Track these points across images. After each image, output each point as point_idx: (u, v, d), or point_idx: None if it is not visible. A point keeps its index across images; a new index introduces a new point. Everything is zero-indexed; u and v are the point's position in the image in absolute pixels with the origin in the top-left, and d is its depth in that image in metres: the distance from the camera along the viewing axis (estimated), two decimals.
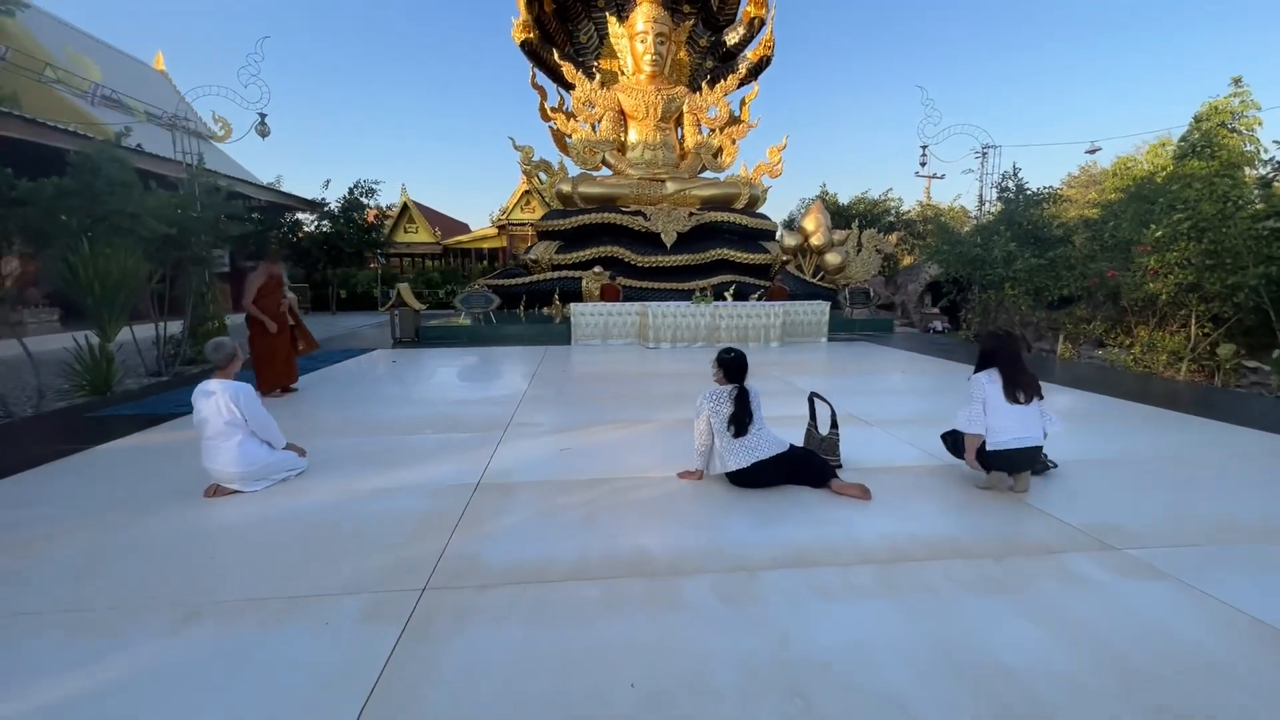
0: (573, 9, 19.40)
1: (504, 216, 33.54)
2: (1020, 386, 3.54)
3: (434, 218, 43.96)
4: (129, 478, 3.93)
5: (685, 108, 18.93)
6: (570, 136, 19.05)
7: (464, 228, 45.56)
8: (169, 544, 2.93)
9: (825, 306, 11.47)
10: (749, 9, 18.87)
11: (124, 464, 4.27)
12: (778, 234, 17.21)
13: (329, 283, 20.83)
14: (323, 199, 19.92)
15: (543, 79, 19.71)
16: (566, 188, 17.81)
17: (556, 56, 18.49)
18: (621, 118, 19.20)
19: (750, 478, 3.57)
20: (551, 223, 17.58)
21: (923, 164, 13.33)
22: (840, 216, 22.42)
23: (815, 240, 15.64)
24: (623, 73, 19.40)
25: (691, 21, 19.66)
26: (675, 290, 16.01)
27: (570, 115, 19.10)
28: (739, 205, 17.97)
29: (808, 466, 3.66)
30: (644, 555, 2.76)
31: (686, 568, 2.62)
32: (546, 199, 18.50)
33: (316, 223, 19.75)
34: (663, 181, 18.03)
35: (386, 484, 3.79)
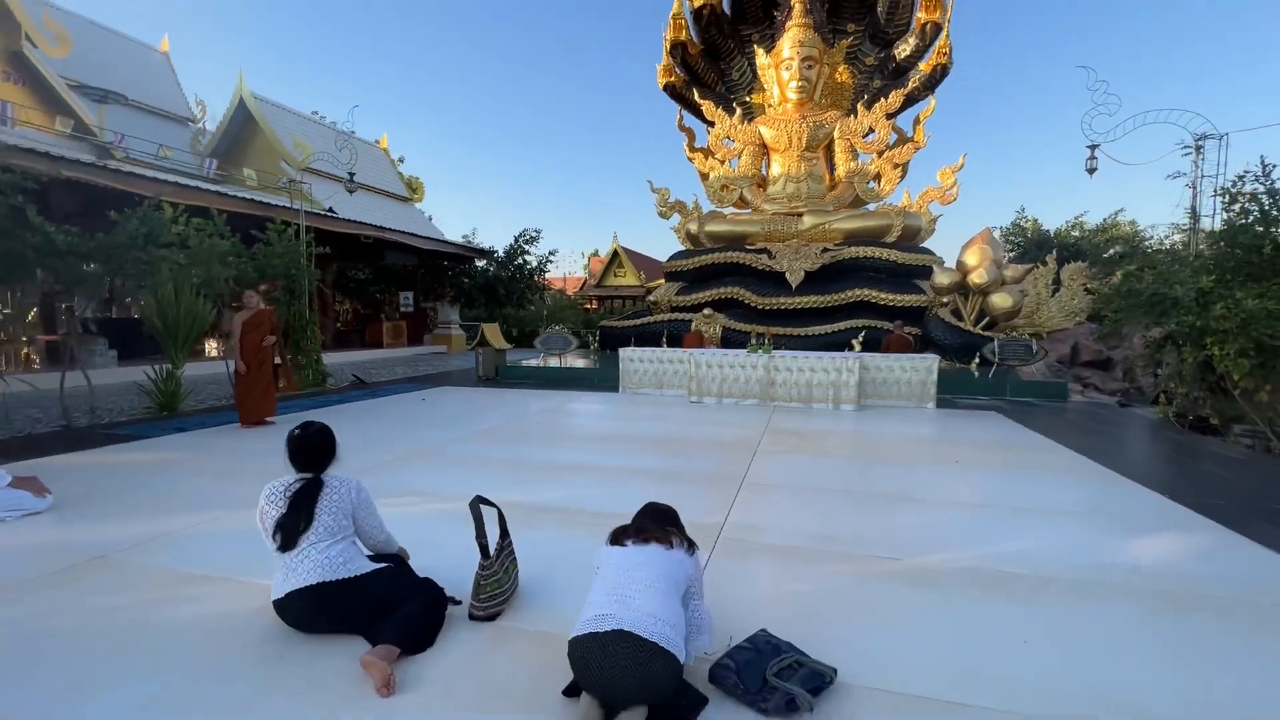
0: (723, 47, 18.90)
1: None
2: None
3: (641, 262, 46.73)
4: None
5: (836, 133, 16.88)
6: (709, 175, 18.32)
7: None
8: None
9: (931, 363, 8.71)
10: (921, 15, 16.29)
11: None
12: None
13: (498, 321, 22.91)
14: (492, 248, 22.22)
15: (692, 121, 19.48)
16: (693, 227, 17.07)
17: (697, 95, 18.04)
18: (763, 151, 17.88)
19: (288, 613, 2.38)
20: (674, 263, 16.94)
21: (1091, 170, 9.48)
22: (1042, 248, 17.46)
23: (976, 278, 12.32)
24: (770, 104, 18.15)
25: (850, 40, 17.70)
26: (799, 336, 14.00)
27: (709, 153, 18.41)
28: (891, 238, 15.27)
29: (373, 612, 2.34)
30: None
31: None
32: (680, 241, 17.91)
33: (486, 269, 22.05)
34: (799, 215, 16.18)
35: (60, 539, 3.47)
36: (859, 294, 14.27)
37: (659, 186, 18.27)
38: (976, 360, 11.18)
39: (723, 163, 18.01)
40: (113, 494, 4.36)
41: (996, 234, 27.49)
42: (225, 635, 2.43)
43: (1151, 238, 16.37)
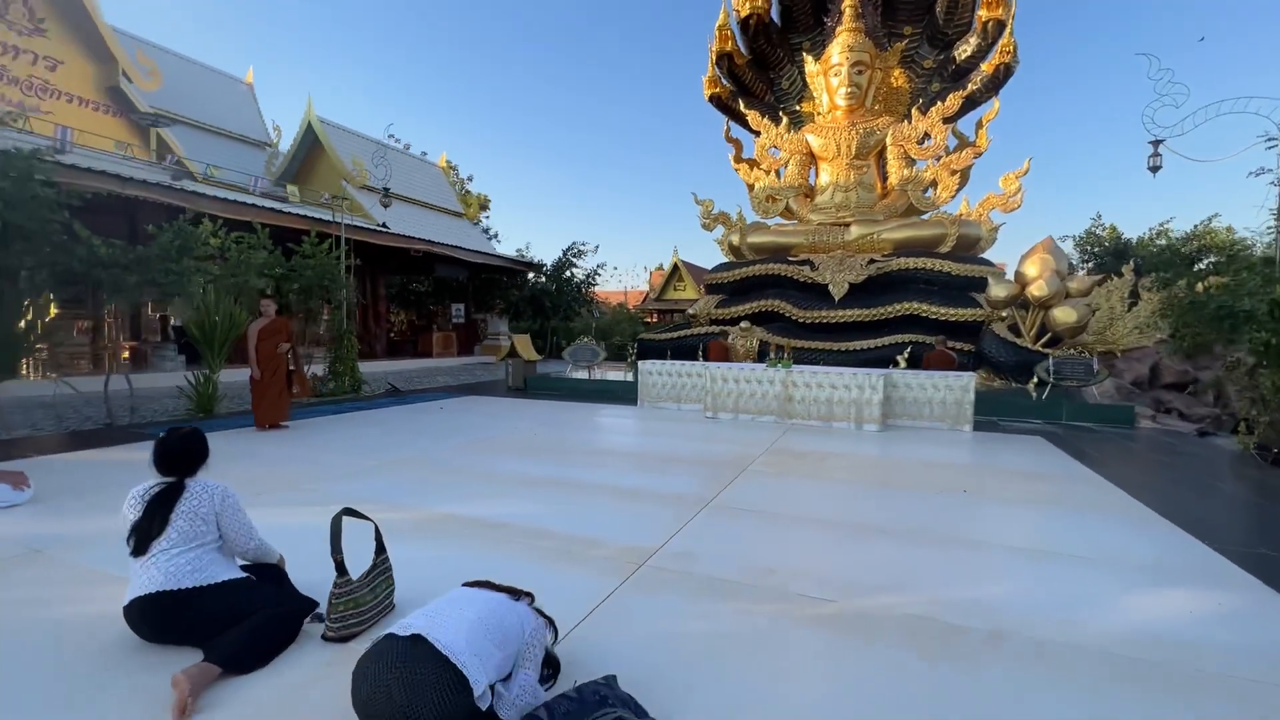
0: (772, 56, 18.51)
1: None
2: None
3: (701, 275, 46.58)
4: None
5: (889, 140, 16.12)
6: (754, 186, 17.91)
7: None
8: None
9: (967, 381, 7.97)
10: (982, 13, 15.38)
11: None
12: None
13: (546, 333, 23.25)
14: (540, 261, 22.68)
15: (740, 132, 19.15)
16: (735, 239, 16.69)
17: (743, 106, 17.72)
18: (811, 160, 17.32)
19: (131, 621, 2.32)
20: (714, 275, 16.61)
21: (1154, 168, 8.34)
22: (1122, 258, 15.74)
23: (1036, 290, 11.30)
24: (819, 112, 17.58)
25: (906, 43, 16.91)
26: (840, 351, 13.33)
27: (754, 164, 18.00)
28: (945, 248, 14.35)
29: (213, 625, 2.23)
30: None
31: None
32: (723, 254, 17.59)
33: (534, 282, 22.48)
34: (846, 226, 15.50)
35: (14, 532, 3.63)
36: (907, 307, 13.44)
37: (704, 199, 17.99)
38: (1034, 380, 10.23)
39: (768, 173, 17.58)
40: (92, 490, 4.56)
41: (1068, 244, 25.36)
42: (87, 639, 2.40)
43: (1255, 245, 14.33)
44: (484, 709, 1.72)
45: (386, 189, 11.45)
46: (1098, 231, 18.57)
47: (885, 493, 4.89)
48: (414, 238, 16.26)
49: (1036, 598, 2.93)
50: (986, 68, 15.60)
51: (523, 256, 24.64)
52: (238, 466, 5.46)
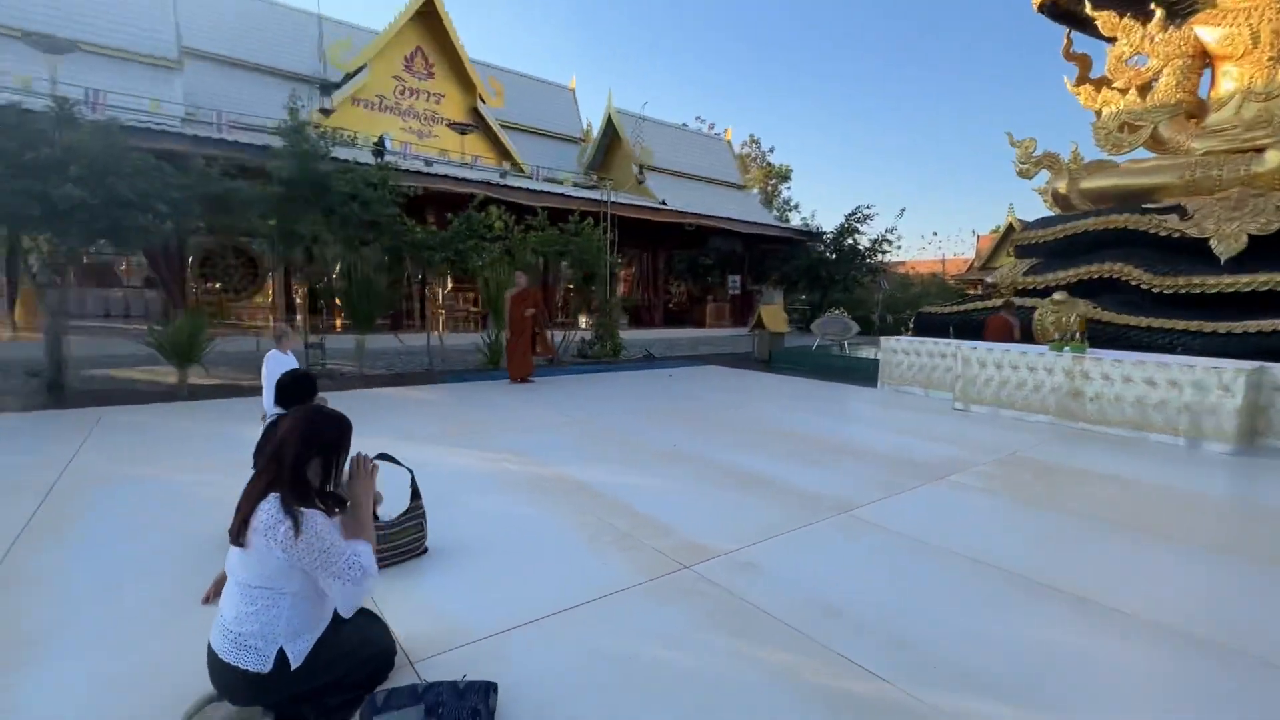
0: None
1: None
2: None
3: None
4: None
5: None
6: (1101, 111, 13.49)
7: None
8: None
9: None
10: None
11: None
12: None
13: (824, 305, 22.00)
14: (819, 229, 21.25)
15: (1088, 44, 14.65)
16: (1062, 185, 12.95)
17: (1089, 7, 13.45)
18: (1201, 65, 12.25)
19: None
20: (1027, 234, 13.20)
21: None
22: None
23: None
24: None
25: None
26: (1217, 335, 9.33)
27: (1102, 84, 13.51)
28: None
29: None
30: None
31: None
32: (1046, 207, 14.01)
33: (814, 251, 21.22)
34: (1258, 151, 10.58)
35: None
36: None
37: (1023, 139, 14.39)
38: None
39: (1124, 93, 13.07)
40: (360, 414, 5.99)
41: None
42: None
43: None
44: (294, 664, 1.67)
45: (640, 167, 12.16)
46: None
47: (1151, 549, 3.24)
48: (684, 212, 16.94)
49: None
50: None
51: (806, 225, 23.57)
52: (457, 410, 6.54)
